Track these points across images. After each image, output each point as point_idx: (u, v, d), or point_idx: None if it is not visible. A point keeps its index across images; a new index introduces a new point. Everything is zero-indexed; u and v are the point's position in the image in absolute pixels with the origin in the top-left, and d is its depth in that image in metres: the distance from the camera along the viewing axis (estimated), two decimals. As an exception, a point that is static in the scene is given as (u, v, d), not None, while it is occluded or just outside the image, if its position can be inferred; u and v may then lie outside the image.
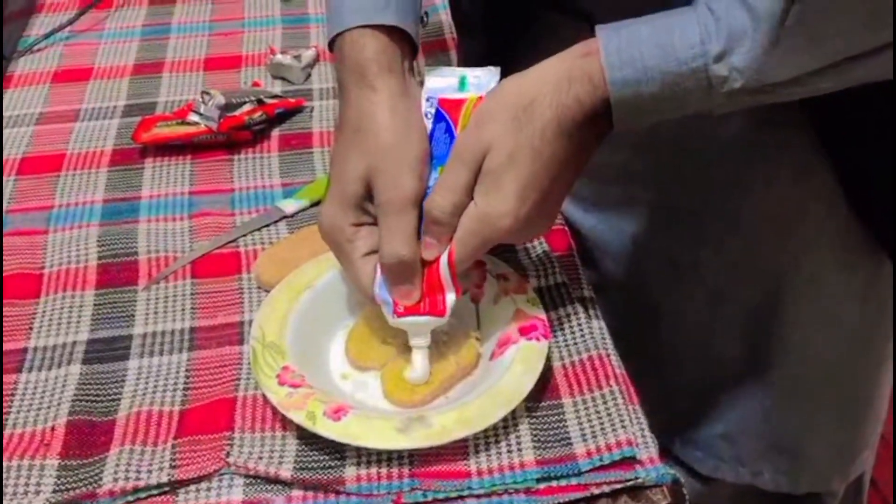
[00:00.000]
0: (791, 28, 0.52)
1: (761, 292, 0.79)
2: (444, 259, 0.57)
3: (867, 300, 0.81)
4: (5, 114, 0.89)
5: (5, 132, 0.86)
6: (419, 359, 0.59)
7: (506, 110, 0.57)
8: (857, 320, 0.81)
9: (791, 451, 0.85)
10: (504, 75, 0.61)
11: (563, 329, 0.64)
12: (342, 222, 0.59)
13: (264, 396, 0.58)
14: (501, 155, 0.56)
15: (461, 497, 0.54)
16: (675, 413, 0.87)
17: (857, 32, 0.53)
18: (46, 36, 1.00)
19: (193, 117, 0.83)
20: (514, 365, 0.58)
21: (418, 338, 0.60)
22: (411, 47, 0.63)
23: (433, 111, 0.61)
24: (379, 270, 0.58)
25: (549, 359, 0.60)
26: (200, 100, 0.84)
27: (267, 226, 0.74)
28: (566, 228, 0.73)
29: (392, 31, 0.61)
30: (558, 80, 0.56)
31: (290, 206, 0.76)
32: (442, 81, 0.62)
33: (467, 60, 0.83)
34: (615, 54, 0.55)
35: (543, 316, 0.62)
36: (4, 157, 0.83)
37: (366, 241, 0.59)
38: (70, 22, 1.02)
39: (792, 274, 0.78)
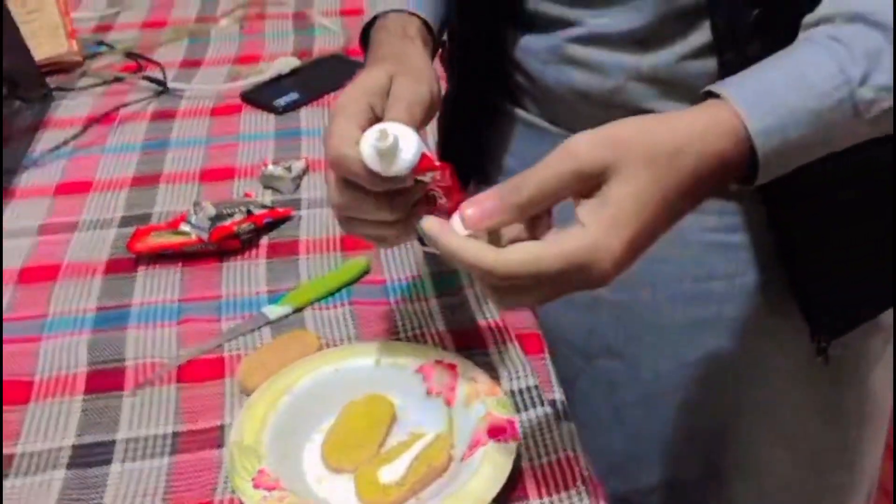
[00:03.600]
0: None
1: (720, 408, 0.80)
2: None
3: (827, 419, 0.81)
4: (7, 226, 0.93)
5: (7, 243, 0.90)
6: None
7: (646, 146, 0.51)
8: (816, 439, 0.81)
9: None
10: (467, 172, 0.65)
11: (532, 431, 0.66)
12: (357, 99, 0.60)
13: (241, 500, 0.60)
14: (628, 187, 0.50)
15: None
16: None
17: None
18: (51, 151, 1.05)
19: (185, 227, 0.87)
20: (483, 467, 0.60)
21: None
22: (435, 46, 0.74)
23: None
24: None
25: (518, 460, 0.62)
26: (192, 211, 0.88)
27: (251, 331, 0.77)
28: (539, 332, 0.75)
29: (425, 23, 0.72)
30: (704, 131, 0.53)
31: (274, 312, 0.78)
32: None
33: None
34: (753, 106, 0.53)
35: (514, 418, 0.64)
36: (5, 268, 0.86)
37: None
38: (74, 137, 1.07)
39: (751, 389, 0.79)
